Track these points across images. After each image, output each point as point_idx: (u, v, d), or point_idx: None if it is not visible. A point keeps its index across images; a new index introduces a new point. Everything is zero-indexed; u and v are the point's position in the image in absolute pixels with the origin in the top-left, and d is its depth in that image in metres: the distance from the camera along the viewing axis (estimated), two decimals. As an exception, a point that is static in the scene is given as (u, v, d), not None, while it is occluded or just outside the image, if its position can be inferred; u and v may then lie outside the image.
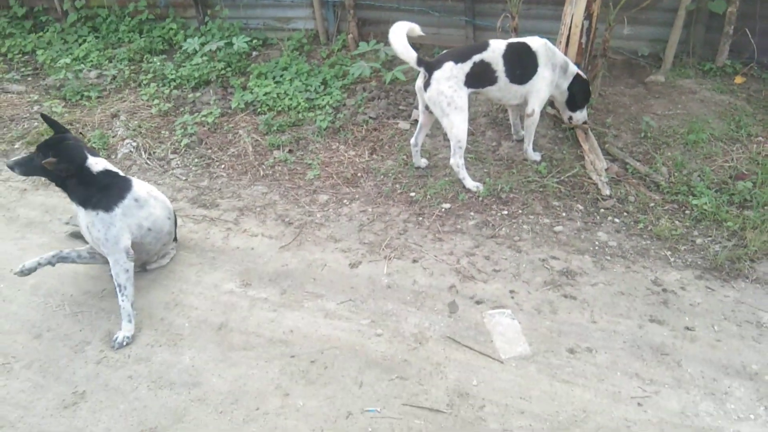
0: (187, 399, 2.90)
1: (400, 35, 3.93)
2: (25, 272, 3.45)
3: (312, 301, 3.44)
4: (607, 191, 4.14)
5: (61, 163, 3.21)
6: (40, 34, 7.62)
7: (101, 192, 3.33)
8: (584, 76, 4.38)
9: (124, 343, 3.22)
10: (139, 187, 3.52)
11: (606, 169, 4.32)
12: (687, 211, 3.92)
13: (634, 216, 3.94)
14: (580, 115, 4.53)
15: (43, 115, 3.44)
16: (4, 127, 5.77)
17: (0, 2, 8.11)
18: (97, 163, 3.35)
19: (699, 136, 4.47)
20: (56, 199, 4.57)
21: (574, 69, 4.33)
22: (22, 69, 6.99)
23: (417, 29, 4.04)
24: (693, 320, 3.14)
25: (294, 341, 3.17)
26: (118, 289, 3.32)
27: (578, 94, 4.38)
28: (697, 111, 4.83)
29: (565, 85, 4.34)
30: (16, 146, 5.44)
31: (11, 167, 3.33)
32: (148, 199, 3.51)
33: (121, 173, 3.50)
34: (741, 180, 4.07)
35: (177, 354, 3.16)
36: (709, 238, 3.69)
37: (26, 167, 3.31)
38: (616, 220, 3.94)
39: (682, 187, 4.07)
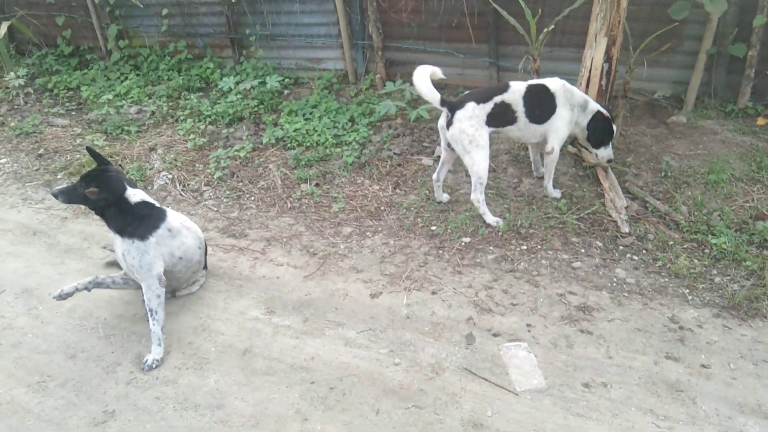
0: (210, 420, 3.01)
1: (424, 77, 4.12)
2: (63, 296, 3.64)
3: (333, 329, 3.56)
4: (626, 229, 4.20)
5: (102, 192, 3.42)
6: (85, 71, 8.07)
7: (138, 221, 3.52)
8: (605, 113, 4.44)
9: (154, 366, 3.36)
10: (173, 217, 3.71)
11: (626, 207, 4.39)
12: (706, 250, 3.95)
13: (652, 254, 3.98)
14: (605, 152, 4.57)
15: (88, 148, 3.64)
16: (48, 158, 6.11)
17: (48, 41, 8.63)
18: (135, 195, 3.55)
19: (719, 176, 4.51)
20: (95, 227, 4.81)
21: (594, 107, 4.42)
22: (67, 104, 7.40)
23: (439, 72, 4.22)
24: (709, 358, 3.15)
25: (314, 368, 3.28)
26: (149, 314, 3.49)
27: (599, 131, 4.45)
28: (719, 151, 4.88)
29: (585, 122, 4.43)
30: (58, 176, 5.75)
31: (55, 195, 3.56)
32: (181, 230, 3.69)
33: (157, 204, 3.70)
34: (761, 220, 4.09)
35: (203, 377, 3.29)
36: (728, 277, 3.71)
37: (69, 195, 3.53)
38: (635, 257, 3.98)
39: (701, 227, 4.11)
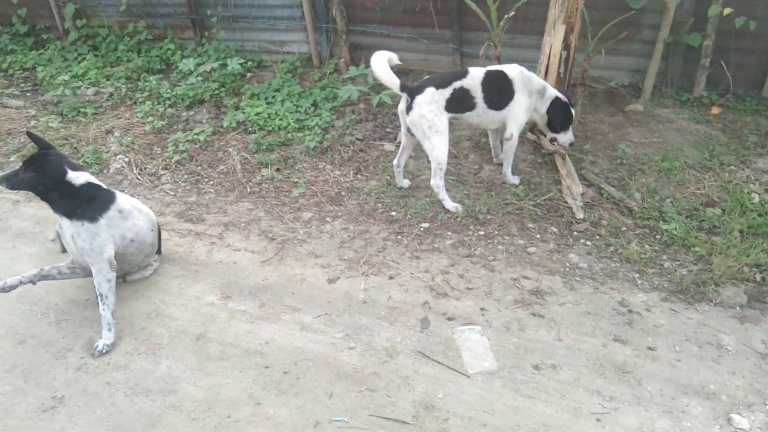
0: (162, 406, 2.98)
1: (382, 63, 4.11)
2: (6, 289, 3.55)
3: (289, 314, 3.55)
4: (581, 215, 4.27)
5: (40, 177, 3.34)
6: (41, 51, 7.81)
7: (86, 203, 3.44)
8: (564, 99, 4.46)
9: (104, 351, 3.31)
10: (123, 199, 3.64)
11: (582, 194, 4.46)
12: (657, 236, 4.04)
13: (605, 239, 4.06)
14: (565, 137, 4.59)
15: (28, 133, 3.58)
16: (0, 140, 5.91)
17: (3, 19, 8.33)
18: (78, 177, 3.46)
19: (673, 163, 4.62)
20: (47, 211, 4.64)
21: (553, 92, 4.45)
22: (22, 84, 7.17)
23: (395, 58, 4.22)
24: (656, 341, 3.24)
25: (269, 352, 3.27)
26: (99, 299, 3.43)
27: (558, 116, 4.48)
28: (673, 139, 4.99)
29: (544, 108, 4.47)
30: (11, 159, 5.58)
31: None
32: (132, 211, 3.64)
33: (104, 186, 3.62)
34: (711, 207, 4.21)
35: (155, 362, 3.25)
36: (677, 262, 3.81)
37: (11, 182, 3.41)
38: (588, 242, 4.06)
39: (653, 213, 4.21)
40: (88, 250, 3.42)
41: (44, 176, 3.36)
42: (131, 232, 3.61)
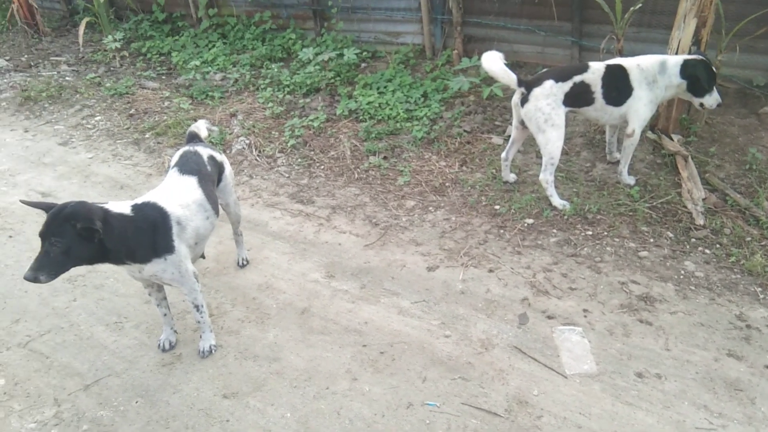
0: (267, 371, 3.19)
1: (495, 61, 4.10)
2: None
3: (388, 297, 3.65)
4: (701, 221, 4.01)
5: (79, 224, 2.65)
6: (176, 37, 8.47)
7: (151, 234, 2.97)
8: (696, 57, 4.10)
9: (213, 351, 3.35)
10: (170, 205, 3.10)
11: (704, 199, 4.19)
12: (787, 249, 3.72)
13: (726, 249, 3.80)
14: (710, 99, 4.18)
15: (22, 201, 2.96)
16: (138, 118, 6.50)
17: (144, 7, 9.10)
18: (119, 205, 2.95)
19: (811, 172, 4.22)
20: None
21: (677, 59, 4.13)
22: (158, 68, 7.82)
23: (503, 58, 4.16)
24: (776, 360, 3.01)
25: (367, 332, 3.39)
26: (195, 309, 3.27)
27: (695, 77, 4.08)
28: (814, 146, 4.55)
29: (675, 79, 4.12)
30: (146, 135, 6.13)
31: (33, 279, 2.66)
32: (184, 214, 3.14)
33: (143, 200, 3.09)
34: None
35: (263, 331, 3.47)
36: (808, 279, 3.50)
37: (50, 266, 2.67)
38: (707, 251, 3.82)
39: (784, 224, 3.87)
40: (178, 279, 3.11)
41: (82, 219, 2.65)
42: (193, 237, 3.20)
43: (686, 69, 4.10)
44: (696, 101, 4.26)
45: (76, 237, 2.66)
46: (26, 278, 2.65)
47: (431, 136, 5.37)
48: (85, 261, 2.81)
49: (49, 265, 2.66)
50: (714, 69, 4.14)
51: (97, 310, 3.75)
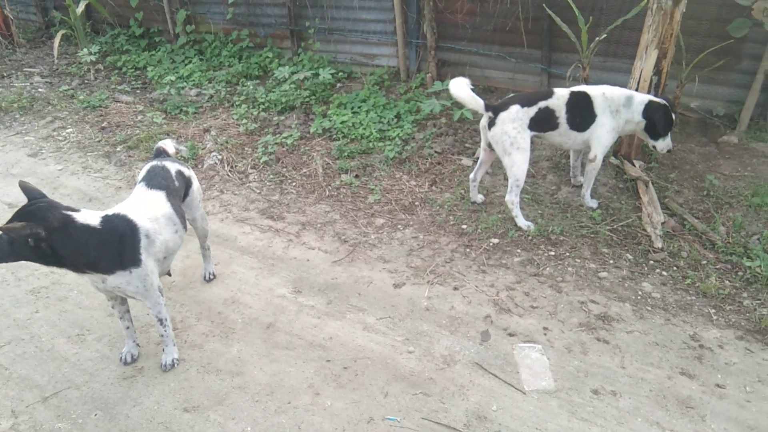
0: (229, 385, 3.19)
1: (462, 87, 4.25)
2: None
3: (354, 313, 3.68)
4: (659, 244, 4.15)
5: (30, 227, 2.63)
6: (153, 52, 8.50)
7: (117, 245, 2.95)
8: (661, 101, 4.25)
9: (175, 365, 3.32)
10: (139, 218, 3.08)
11: (662, 223, 4.33)
12: (739, 273, 3.86)
13: (683, 271, 3.93)
14: (663, 144, 4.36)
15: (20, 183, 2.89)
16: (110, 131, 6.48)
17: (122, 21, 9.12)
18: (90, 216, 2.91)
19: (764, 199, 4.39)
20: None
21: (644, 98, 4.27)
22: (133, 82, 7.83)
23: (470, 83, 4.32)
24: (725, 378, 3.11)
25: (332, 347, 3.41)
26: (159, 323, 3.25)
27: (655, 120, 4.24)
28: (767, 174, 4.74)
29: (638, 115, 4.26)
30: (118, 149, 6.11)
31: None
32: (153, 227, 3.12)
33: (112, 211, 3.07)
34: (803, 248, 3.97)
35: (227, 345, 3.47)
36: (758, 301, 3.63)
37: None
38: (664, 273, 3.94)
39: (738, 249, 4.02)
40: (142, 293, 3.10)
41: (33, 221, 2.65)
42: (162, 250, 3.18)
43: (648, 110, 4.25)
44: (650, 142, 4.43)
45: (21, 236, 2.66)
46: None
47: (403, 156, 5.47)
48: (34, 260, 2.80)
49: None
50: (673, 116, 4.30)
51: (60, 322, 3.71)
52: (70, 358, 3.42)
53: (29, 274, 4.14)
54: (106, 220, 2.98)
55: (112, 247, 2.95)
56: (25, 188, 2.86)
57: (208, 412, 3.02)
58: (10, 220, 2.71)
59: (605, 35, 4.91)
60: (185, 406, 3.07)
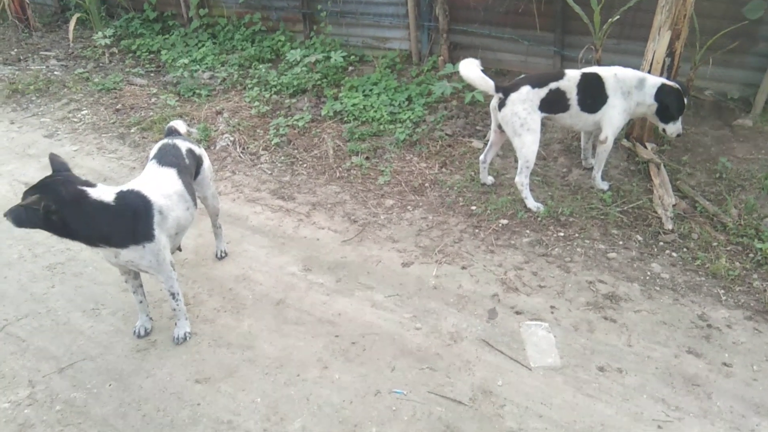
0: (239, 358, 3.25)
1: (472, 68, 4.22)
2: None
3: (362, 291, 3.72)
4: (670, 225, 4.13)
5: (41, 199, 2.73)
6: (166, 36, 8.54)
7: (132, 221, 3.02)
8: (673, 85, 4.21)
9: (187, 338, 3.39)
10: (153, 194, 3.15)
11: (674, 205, 4.31)
12: (750, 255, 3.84)
13: (693, 252, 3.92)
14: (673, 128, 4.34)
15: (50, 155, 3.04)
16: (124, 113, 6.56)
17: (136, 5, 9.16)
18: (104, 192, 2.98)
19: (778, 182, 4.36)
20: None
21: (656, 81, 4.24)
22: (147, 65, 7.88)
23: (480, 64, 4.29)
24: (732, 357, 3.11)
25: (340, 323, 3.46)
26: (172, 297, 3.33)
27: (666, 103, 4.21)
28: (782, 158, 4.69)
29: (649, 98, 4.23)
30: (132, 130, 6.18)
31: (4, 214, 2.87)
32: (166, 203, 3.19)
33: (125, 187, 3.14)
34: (816, 230, 3.94)
35: (238, 320, 3.54)
36: (768, 283, 3.62)
37: (17, 216, 2.82)
38: (674, 254, 3.93)
39: (749, 231, 4.00)
40: (155, 267, 3.16)
41: (53, 197, 2.76)
42: (174, 226, 3.26)
43: (661, 93, 4.21)
44: (660, 125, 4.40)
45: (32, 208, 2.74)
46: (4, 214, 2.85)
47: (413, 138, 5.48)
48: (47, 230, 2.87)
49: (17, 214, 2.81)
50: (685, 101, 4.25)
51: (75, 297, 3.79)
52: (85, 331, 3.50)
53: (46, 251, 4.22)
54: (120, 196, 3.04)
55: (126, 222, 3.02)
56: (53, 161, 3.00)
57: (219, 384, 3.09)
58: (28, 191, 2.81)
59: (618, 16, 4.86)
60: (197, 377, 3.14)
